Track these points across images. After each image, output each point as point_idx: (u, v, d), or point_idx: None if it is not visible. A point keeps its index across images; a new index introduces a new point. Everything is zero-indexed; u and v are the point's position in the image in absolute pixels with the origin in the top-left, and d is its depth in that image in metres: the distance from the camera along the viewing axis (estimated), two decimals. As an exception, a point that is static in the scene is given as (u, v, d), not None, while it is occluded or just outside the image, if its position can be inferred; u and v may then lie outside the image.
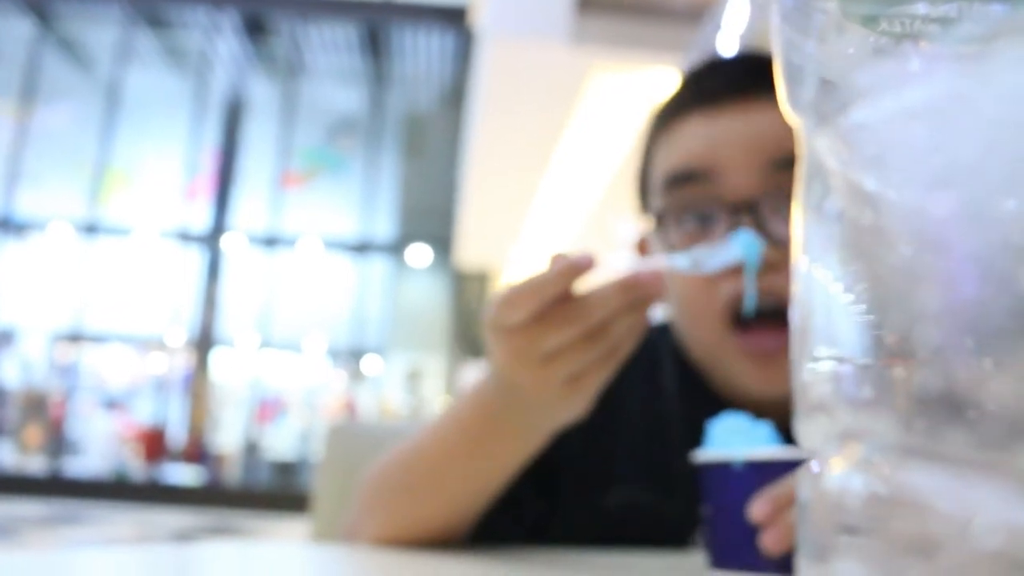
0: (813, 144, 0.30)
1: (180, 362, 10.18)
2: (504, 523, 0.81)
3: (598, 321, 0.61)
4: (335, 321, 10.72)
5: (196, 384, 10.02)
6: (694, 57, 2.42)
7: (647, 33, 4.44)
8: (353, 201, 11.16)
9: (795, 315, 0.30)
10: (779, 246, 0.77)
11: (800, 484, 0.30)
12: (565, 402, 0.64)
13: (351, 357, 10.65)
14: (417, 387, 10.97)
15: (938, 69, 0.26)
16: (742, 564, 0.59)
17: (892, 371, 0.25)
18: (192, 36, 10.56)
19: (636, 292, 0.60)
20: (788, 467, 0.60)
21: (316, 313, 10.74)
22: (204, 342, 10.16)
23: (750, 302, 0.63)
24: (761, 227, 0.79)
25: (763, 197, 0.80)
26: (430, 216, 11.07)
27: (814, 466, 0.29)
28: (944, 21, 0.25)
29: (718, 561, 0.61)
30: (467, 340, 11.16)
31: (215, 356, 10.24)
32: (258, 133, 10.93)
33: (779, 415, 0.76)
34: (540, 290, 0.58)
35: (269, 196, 10.79)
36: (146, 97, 10.54)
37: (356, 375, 10.62)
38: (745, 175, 0.81)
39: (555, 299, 0.59)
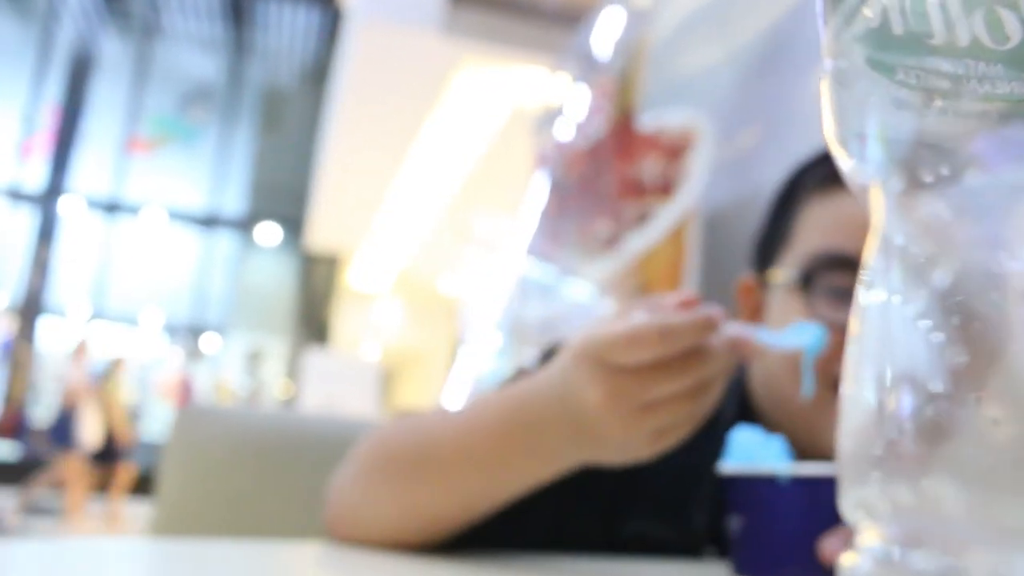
0: (902, 213, 0.29)
1: (1, 328, 9.59)
2: (508, 531, 0.77)
3: (706, 377, 0.59)
4: (175, 296, 10.34)
5: (18, 352, 9.46)
6: (567, 60, 2.42)
7: (519, 31, 4.44)
8: (203, 173, 10.78)
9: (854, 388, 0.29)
10: None
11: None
12: (637, 452, 0.62)
13: (189, 334, 10.29)
14: (257, 369, 10.70)
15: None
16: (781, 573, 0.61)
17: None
18: (39, -17, 9.97)
19: (744, 353, 0.60)
20: (833, 483, 0.61)
21: (155, 286, 10.33)
22: (30, 308, 9.61)
23: (808, 390, 0.64)
24: None
25: None
26: (282, 195, 10.81)
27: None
28: (955, 78, 0.25)
29: (755, 571, 0.62)
30: (312, 324, 10.96)
31: (41, 324, 9.70)
32: (106, 93, 10.41)
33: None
34: (675, 338, 0.56)
35: (113, 160, 10.29)
36: (-17, 43, 9.89)
37: (193, 353, 10.27)
38: None
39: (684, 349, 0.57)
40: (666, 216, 1.66)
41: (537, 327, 2.26)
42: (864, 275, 0.30)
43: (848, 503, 0.30)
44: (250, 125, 11.10)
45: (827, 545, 0.58)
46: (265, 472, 1.02)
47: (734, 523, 0.64)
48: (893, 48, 0.27)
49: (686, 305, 0.58)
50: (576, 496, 0.85)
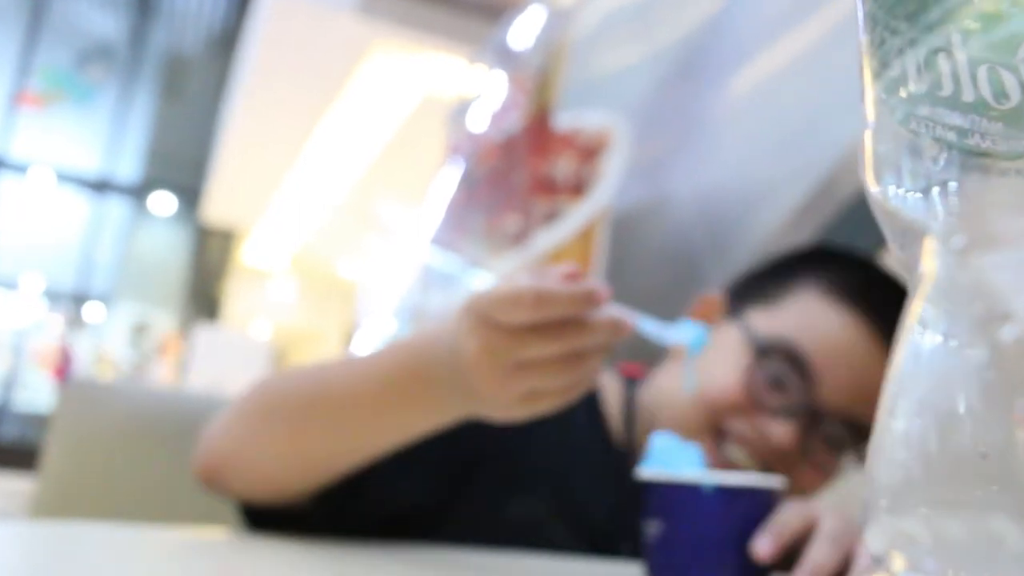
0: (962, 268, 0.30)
1: None
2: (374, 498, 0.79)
3: (581, 348, 0.61)
4: (58, 261, 9.94)
5: None
6: (484, 52, 2.41)
7: (437, 18, 4.40)
8: (97, 135, 10.38)
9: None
10: (800, 453, 0.89)
11: None
12: (509, 411, 0.64)
13: (72, 302, 9.92)
14: (142, 342, 10.38)
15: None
16: None
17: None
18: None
19: (622, 333, 0.61)
20: (757, 495, 0.64)
21: (37, 249, 9.91)
22: (-101, 264, 9.12)
23: (688, 383, 0.69)
24: (807, 434, 0.89)
25: (828, 422, 0.89)
26: (180, 164, 10.50)
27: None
28: (960, 131, 0.27)
29: None
30: (203, 298, 10.69)
31: (-90, 281, 9.22)
32: (-6, 43, 9.93)
33: None
34: (553, 304, 0.58)
35: (-1, 114, 9.84)
36: None
37: (75, 321, 9.90)
38: (835, 400, 0.89)
39: (561, 318, 0.59)
40: (576, 216, 1.67)
41: (437, 317, 2.25)
42: (920, 313, 0.31)
43: (880, 532, 0.30)
44: (150, 89, 10.74)
45: (759, 547, 0.61)
46: (154, 450, 1.00)
47: (652, 528, 0.65)
48: (910, 97, 0.29)
49: (571, 277, 0.60)
50: (461, 470, 0.88)
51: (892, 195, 0.31)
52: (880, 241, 1.10)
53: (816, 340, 0.91)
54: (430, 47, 4.60)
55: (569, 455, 0.95)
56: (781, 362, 0.90)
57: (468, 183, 2.28)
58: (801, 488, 0.93)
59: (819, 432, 0.90)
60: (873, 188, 0.32)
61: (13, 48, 9.92)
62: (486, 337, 0.60)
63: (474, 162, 2.26)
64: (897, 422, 0.30)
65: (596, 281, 0.61)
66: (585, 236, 1.65)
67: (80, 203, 10.22)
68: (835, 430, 0.91)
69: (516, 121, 2.05)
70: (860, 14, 0.32)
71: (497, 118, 2.15)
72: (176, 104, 10.85)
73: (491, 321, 0.60)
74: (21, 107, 9.98)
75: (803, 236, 1.40)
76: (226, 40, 10.07)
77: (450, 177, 2.46)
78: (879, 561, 0.30)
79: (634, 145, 1.74)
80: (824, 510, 0.67)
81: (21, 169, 9.88)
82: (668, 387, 0.95)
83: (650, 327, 0.66)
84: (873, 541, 0.30)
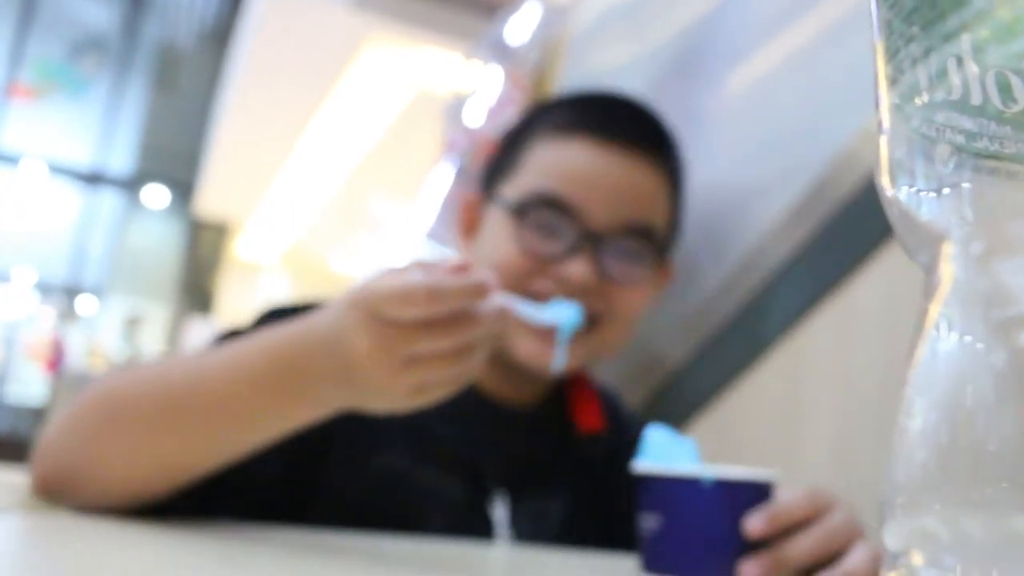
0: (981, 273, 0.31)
1: None
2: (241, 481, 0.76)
3: (471, 341, 0.61)
4: (50, 253, 9.90)
5: None
6: (480, 48, 2.41)
7: (432, 13, 4.39)
8: (90, 128, 10.34)
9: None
10: (603, 277, 0.94)
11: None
12: (396, 403, 0.64)
13: (64, 294, 9.88)
14: (135, 335, 10.35)
15: None
16: (695, 573, 0.63)
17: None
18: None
19: (507, 321, 0.63)
20: (756, 489, 0.64)
21: (30, 242, 9.87)
22: None
23: (558, 365, 0.70)
24: (598, 258, 0.94)
25: (610, 237, 0.95)
26: (173, 158, 10.46)
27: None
28: (969, 135, 0.27)
29: (666, 568, 0.64)
30: (196, 292, 10.66)
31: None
32: (-14, 35, 9.88)
33: (523, 401, 1.02)
34: (444, 299, 0.58)
35: (-9, 106, 9.79)
36: None
37: (67, 314, 9.86)
38: (605, 217, 0.95)
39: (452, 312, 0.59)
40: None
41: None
42: (937, 316, 0.32)
43: (897, 530, 0.31)
44: (143, 82, 10.70)
45: (749, 567, 0.61)
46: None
47: (650, 521, 0.66)
48: (924, 104, 0.29)
49: (459, 270, 0.61)
50: (319, 437, 0.85)
51: (907, 199, 0.32)
52: (877, 242, 1.10)
53: (561, 175, 0.96)
54: (425, 42, 4.59)
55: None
56: (540, 211, 0.95)
57: (464, 179, 2.28)
58: (627, 309, 0.99)
59: (609, 251, 0.96)
60: (888, 192, 0.33)
61: (5, 39, 9.87)
62: (379, 334, 0.59)
63: (469, 158, 2.26)
64: (914, 422, 0.31)
65: (482, 272, 0.61)
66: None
67: (72, 196, 10.18)
68: (622, 243, 0.96)
69: (512, 117, 2.06)
70: (875, 21, 0.32)
71: (493, 113, 2.15)
72: (169, 97, 10.81)
73: (383, 317, 0.59)
74: (13, 99, 9.93)
75: (798, 235, 1.41)
76: (219, 32, 10.03)
77: (445, 172, 2.46)
78: (897, 558, 0.31)
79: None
80: (834, 503, 0.68)
81: (13, 161, 9.84)
82: (503, 276, 0.96)
83: (526, 310, 0.67)
84: (891, 539, 0.31)
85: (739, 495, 0.64)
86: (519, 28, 2.17)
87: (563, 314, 0.70)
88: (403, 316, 0.59)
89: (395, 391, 0.62)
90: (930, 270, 0.32)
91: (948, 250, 0.31)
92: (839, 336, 1.33)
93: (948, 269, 0.31)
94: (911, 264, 0.34)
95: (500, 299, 0.63)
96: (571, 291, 0.92)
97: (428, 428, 0.93)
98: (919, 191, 0.31)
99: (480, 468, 0.94)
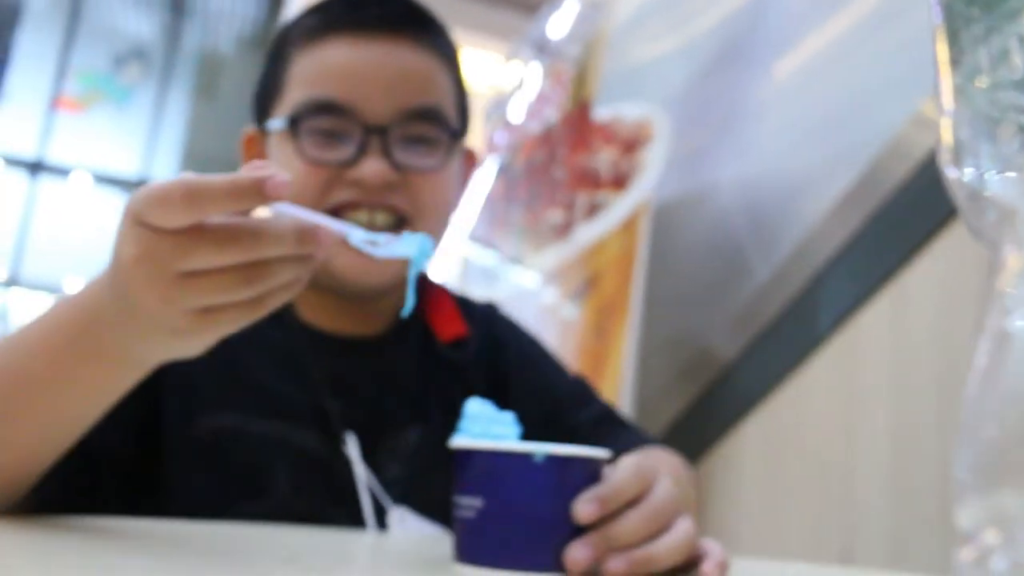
0: None
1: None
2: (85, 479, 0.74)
3: (261, 260, 0.53)
4: (98, 263, 10.05)
5: (-70, 313, 9.14)
6: (521, 46, 2.40)
7: (472, 13, 4.40)
8: (135, 137, 10.50)
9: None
10: (400, 170, 0.90)
11: None
12: (184, 335, 0.56)
13: (113, 301, 10.03)
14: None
15: None
16: (523, 563, 0.57)
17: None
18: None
19: (313, 247, 0.54)
20: (588, 466, 0.59)
21: (78, 252, 10.05)
22: (-56, 267, 9.28)
23: (409, 303, 0.61)
24: (388, 151, 0.90)
25: (394, 127, 0.91)
26: (217, 164, 10.57)
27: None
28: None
29: (489, 557, 0.58)
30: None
31: (-44, 285, 9.38)
32: (33, 47, 10.06)
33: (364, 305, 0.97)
34: (208, 201, 0.50)
35: (38, 118, 9.97)
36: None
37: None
38: (382, 108, 0.90)
39: (224, 216, 0.52)
40: (620, 208, 1.66)
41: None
42: (1007, 296, 0.31)
43: (970, 509, 0.31)
44: (186, 90, 10.85)
45: (576, 550, 0.57)
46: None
47: (467, 504, 0.59)
48: (988, 84, 0.29)
49: (251, 170, 0.52)
50: (149, 412, 0.83)
51: (972, 180, 0.32)
52: (932, 229, 1.08)
53: (325, 78, 0.92)
54: (465, 42, 4.61)
55: (247, 351, 0.89)
56: (314, 119, 0.91)
57: (507, 177, 2.27)
58: (435, 201, 0.95)
59: (398, 143, 0.92)
60: (954, 174, 0.32)
61: (52, 53, 10.06)
62: (144, 243, 0.52)
63: (513, 156, 2.26)
64: (985, 401, 0.30)
65: (271, 171, 0.51)
66: (628, 228, 1.64)
67: (118, 204, 10.35)
68: (409, 131, 0.92)
69: (554, 114, 2.04)
70: (934, 3, 0.32)
71: (535, 111, 2.14)
72: (211, 104, 10.94)
73: (146, 224, 0.52)
74: (59, 111, 10.11)
75: (850, 224, 1.38)
76: (260, 39, 10.13)
77: (488, 172, 2.45)
78: (970, 537, 0.30)
79: (674, 135, 1.73)
80: (659, 476, 0.63)
81: (60, 172, 10.02)
82: (305, 202, 0.90)
83: (360, 236, 0.57)
84: (964, 518, 0.31)
85: (571, 473, 0.59)
86: (559, 25, 2.15)
87: (413, 246, 0.59)
88: (163, 222, 0.51)
89: (171, 313, 0.54)
90: (996, 249, 0.31)
91: (1015, 229, 0.30)
92: (894, 326, 1.30)
93: (1016, 248, 0.31)
94: (966, 250, 0.34)
95: (316, 218, 0.55)
96: (374, 196, 0.90)
97: (259, 380, 0.90)
98: (984, 172, 0.30)
99: (325, 411, 0.91)
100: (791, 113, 1.61)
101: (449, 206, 1.00)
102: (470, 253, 2.44)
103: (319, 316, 0.98)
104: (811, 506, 1.36)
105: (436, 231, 0.97)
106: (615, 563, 0.57)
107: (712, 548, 0.65)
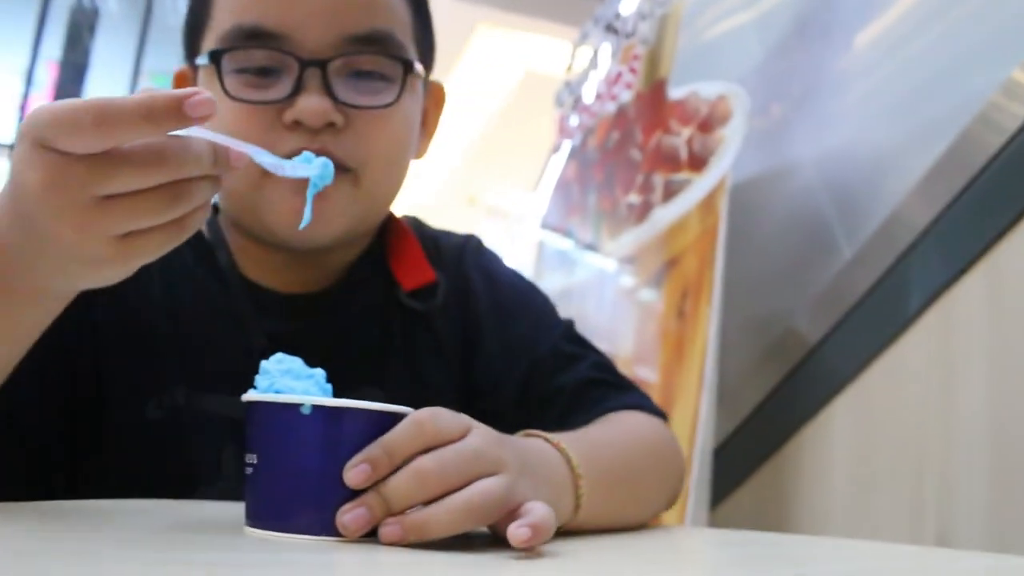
0: None
1: None
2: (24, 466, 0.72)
3: (176, 178, 0.50)
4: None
5: None
6: (591, 28, 2.38)
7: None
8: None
9: None
10: (341, 108, 0.79)
11: None
12: (103, 264, 0.53)
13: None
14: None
15: None
16: (297, 525, 0.53)
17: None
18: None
19: (226, 167, 0.51)
20: (364, 415, 0.55)
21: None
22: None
23: (306, 219, 0.58)
24: (328, 86, 0.79)
25: (336, 58, 0.79)
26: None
27: None
28: None
29: (263, 518, 0.55)
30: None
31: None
32: (108, 49, 10.30)
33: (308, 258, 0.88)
34: (121, 124, 0.46)
35: (118, 118, 10.20)
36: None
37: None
38: (319, 38, 0.79)
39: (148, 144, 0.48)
40: (698, 188, 1.63)
41: (555, 298, 2.25)
42: None
43: None
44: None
45: (348, 516, 0.52)
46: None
47: (249, 461, 0.56)
48: None
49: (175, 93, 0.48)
50: (92, 397, 0.79)
51: None
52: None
53: (253, 4, 0.80)
54: (533, 27, 4.57)
55: (191, 316, 0.85)
56: (241, 50, 0.80)
57: (580, 161, 2.25)
58: (385, 143, 0.84)
59: (340, 74, 0.80)
60: None
61: (128, 56, 10.28)
62: (52, 168, 0.48)
63: (586, 139, 2.24)
64: None
65: (192, 92, 0.47)
66: (707, 208, 1.61)
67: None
68: (353, 60, 0.81)
69: (628, 94, 2.02)
70: None
71: (608, 93, 2.12)
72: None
73: (52, 147, 0.48)
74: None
75: (939, 199, 1.34)
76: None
77: (560, 156, 2.44)
78: None
79: (752, 112, 1.69)
80: (471, 433, 0.56)
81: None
82: (232, 188, 0.84)
83: (268, 159, 0.55)
84: None
85: (347, 428, 0.54)
86: (630, 5, 2.12)
87: (315, 168, 0.57)
88: (71, 146, 0.47)
89: (89, 242, 0.50)
90: None
91: None
92: (990, 304, 1.25)
93: None
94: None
95: (223, 139, 0.52)
96: (316, 137, 0.79)
97: (202, 350, 0.83)
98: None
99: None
100: (873, 84, 1.56)
101: (404, 153, 0.89)
102: (543, 238, 2.43)
103: (264, 273, 0.89)
104: (905, 489, 1.33)
105: (387, 184, 0.89)
106: (386, 528, 0.52)
107: (534, 508, 0.54)
